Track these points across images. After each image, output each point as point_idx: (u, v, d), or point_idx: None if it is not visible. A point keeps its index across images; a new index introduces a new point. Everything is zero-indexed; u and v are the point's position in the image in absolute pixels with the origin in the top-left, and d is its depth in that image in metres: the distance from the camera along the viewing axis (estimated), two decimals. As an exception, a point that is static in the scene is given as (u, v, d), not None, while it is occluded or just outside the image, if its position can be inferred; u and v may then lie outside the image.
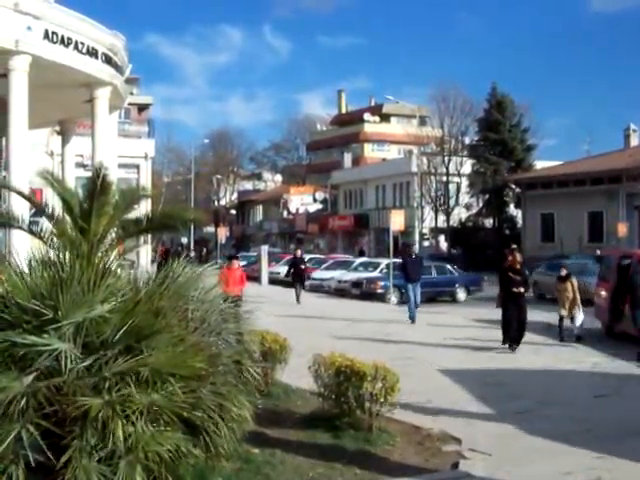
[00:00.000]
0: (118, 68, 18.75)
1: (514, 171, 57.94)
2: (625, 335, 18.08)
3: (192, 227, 71.75)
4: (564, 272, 19.23)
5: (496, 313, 23.24)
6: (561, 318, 18.73)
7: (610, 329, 19.39)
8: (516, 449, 8.94)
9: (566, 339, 18.27)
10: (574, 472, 7.94)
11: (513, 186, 58.65)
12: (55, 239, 6.41)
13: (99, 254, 6.29)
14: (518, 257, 17.60)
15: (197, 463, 6.19)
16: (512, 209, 60.49)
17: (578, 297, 18.75)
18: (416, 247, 23.19)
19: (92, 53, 17.02)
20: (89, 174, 6.72)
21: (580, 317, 18.58)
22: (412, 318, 22.48)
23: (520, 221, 57.58)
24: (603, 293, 19.86)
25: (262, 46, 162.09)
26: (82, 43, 16.56)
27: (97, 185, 6.34)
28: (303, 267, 31.43)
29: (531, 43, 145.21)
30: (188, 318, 6.34)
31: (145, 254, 30.44)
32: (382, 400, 8.98)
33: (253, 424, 7.15)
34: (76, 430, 5.24)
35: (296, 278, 30.51)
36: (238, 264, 21.35)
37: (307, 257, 43.41)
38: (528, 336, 17.49)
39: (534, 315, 20.29)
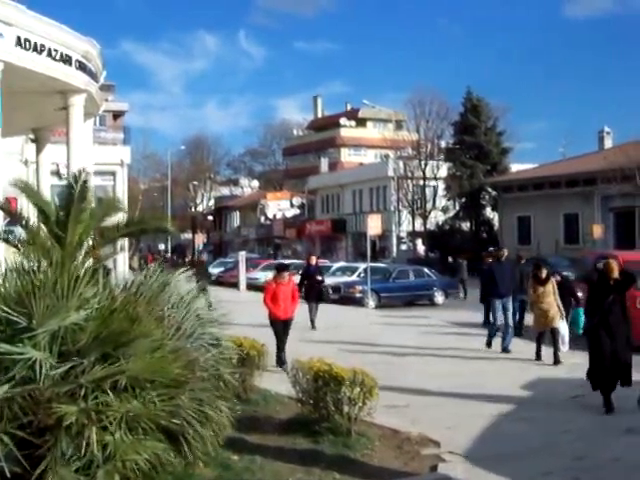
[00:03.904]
0: (93, 75, 18.61)
1: (490, 174, 58.23)
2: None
3: (169, 234, 71.46)
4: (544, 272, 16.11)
5: (474, 316, 23.43)
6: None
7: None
8: (495, 450, 8.96)
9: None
10: (553, 472, 7.98)
11: (489, 189, 58.98)
12: (30, 247, 6.37)
13: (75, 262, 6.25)
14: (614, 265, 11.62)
15: (176, 471, 6.16)
16: (489, 212, 60.79)
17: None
18: (505, 250, 19.06)
19: (66, 60, 16.87)
20: (65, 182, 6.69)
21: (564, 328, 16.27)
22: (489, 341, 17.42)
23: (497, 224, 57.90)
24: (580, 294, 19.92)
25: (238, 52, 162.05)
26: (56, 50, 16.41)
27: (75, 192, 6.32)
28: (320, 279, 23.77)
29: (508, 47, 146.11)
30: (165, 324, 6.32)
31: (122, 261, 30.23)
32: (360, 404, 8.97)
33: (232, 430, 7.14)
34: (52, 439, 5.20)
35: (311, 294, 22.73)
36: (289, 276, 16.03)
37: (287, 262, 42.94)
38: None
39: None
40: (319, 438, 8.99)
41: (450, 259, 43.60)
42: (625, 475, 8.08)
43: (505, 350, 16.87)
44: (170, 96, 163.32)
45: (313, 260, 24.62)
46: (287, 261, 42.20)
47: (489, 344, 17.32)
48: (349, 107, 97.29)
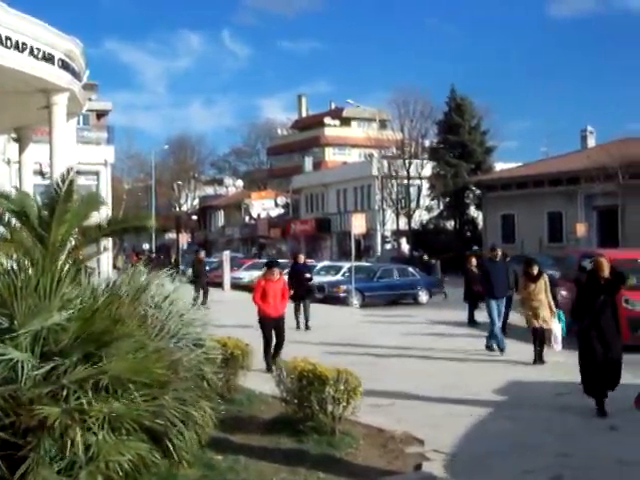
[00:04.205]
0: (76, 74, 18.51)
1: (474, 173, 58.39)
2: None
3: (154, 234, 71.36)
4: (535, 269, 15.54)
5: (458, 315, 23.49)
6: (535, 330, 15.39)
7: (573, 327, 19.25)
8: (480, 449, 8.97)
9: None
10: (536, 470, 7.99)
11: (473, 188, 59.16)
12: (11, 247, 6.33)
13: (57, 262, 6.21)
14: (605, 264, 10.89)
15: (159, 471, 6.13)
16: (473, 211, 60.99)
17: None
18: (499, 249, 18.11)
19: (48, 59, 16.76)
20: (47, 182, 6.67)
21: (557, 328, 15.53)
22: (499, 346, 16.50)
23: (481, 222, 58.06)
24: (564, 293, 19.97)
25: (223, 51, 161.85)
26: (38, 49, 16.30)
27: (61, 192, 6.28)
28: (308, 276, 23.26)
29: (492, 47, 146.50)
30: (148, 324, 6.29)
31: (106, 261, 30.10)
32: (344, 404, 8.96)
33: (216, 430, 7.12)
34: (34, 440, 5.17)
35: (298, 293, 21.27)
36: (280, 273, 15.52)
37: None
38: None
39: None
40: (303, 437, 8.97)
41: (426, 258, 43.81)
42: (608, 471, 8.11)
43: (489, 347, 16.81)
44: (154, 95, 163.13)
45: (300, 258, 24.10)
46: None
47: (501, 349, 16.49)
48: (333, 106, 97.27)
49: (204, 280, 28.70)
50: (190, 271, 42.36)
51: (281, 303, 14.88)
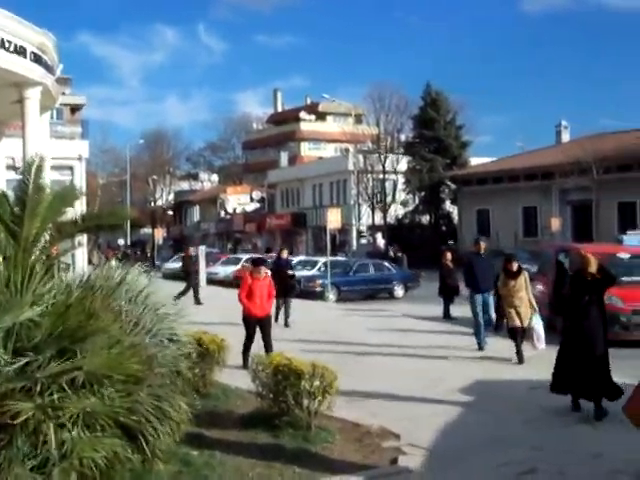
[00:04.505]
0: (49, 67, 18.36)
1: (450, 168, 58.58)
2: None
3: (129, 229, 71.06)
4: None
5: (434, 310, 23.54)
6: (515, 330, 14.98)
7: (550, 323, 19.17)
8: (456, 443, 8.99)
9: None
10: (511, 463, 8.03)
11: (449, 183, 59.35)
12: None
13: (30, 257, 6.15)
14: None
15: (134, 467, 6.09)
16: (448, 205, 61.21)
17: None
18: (484, 242, 17.87)
19: (20, 52, 16.63)
20: (21, 177, 6.58)
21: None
22: (480, 343, 16.34)
23: (456, 217, 58.26)
24: (540, 287, 20.05)
25: (198, 46, 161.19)
26: (9, 41, 16.16)
27: (29, 182, 6.21)
28: (291, 274, 22.87)
29: (467, 42, 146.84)
30: (123, 319, 6.24)
31: (81, 256, 29.86)
32: (320, 398, 8.95)
33: (192, 425, 7.09)
34: (6, 437, 5.11)
35: (281, 289, 19.52)
36: (266, 272, 15.31)
37: (245, 257, 42.73)
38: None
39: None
40: (279, 432, 8.96)
41: (391, 254, 44.16)
42: (582, 465, 8.16)
43: (479, 345, 16.36)
44: (129, 90, 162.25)
45: (284, 254, 23.52)
46: (247, 255, 42.08)
47: (481, 347, 16.23)
48: (309, 101, 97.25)
49: (193, 276, 28.46)
50: (166, 266, 42.02)
51: (267, 302, 14.64)
